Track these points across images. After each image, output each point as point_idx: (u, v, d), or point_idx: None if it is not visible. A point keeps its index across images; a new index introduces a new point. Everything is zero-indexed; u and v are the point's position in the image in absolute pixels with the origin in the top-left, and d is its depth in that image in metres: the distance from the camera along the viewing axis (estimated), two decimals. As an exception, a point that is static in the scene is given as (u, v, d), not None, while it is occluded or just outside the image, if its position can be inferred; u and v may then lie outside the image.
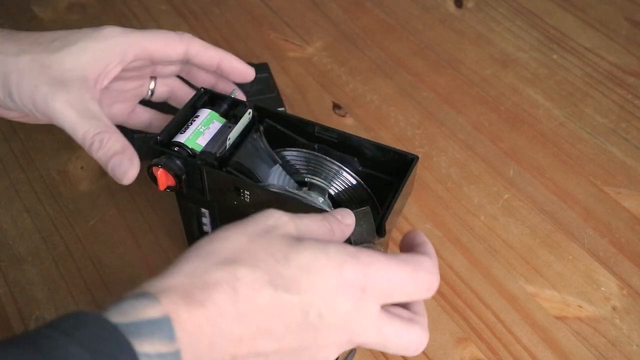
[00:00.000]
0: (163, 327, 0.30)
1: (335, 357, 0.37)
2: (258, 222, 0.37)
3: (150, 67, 0.54)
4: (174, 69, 0.56)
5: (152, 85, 0.56)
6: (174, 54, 0.51)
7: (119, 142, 0.47)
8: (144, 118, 0.57)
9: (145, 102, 0.58)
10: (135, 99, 0.56)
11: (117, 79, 0.52)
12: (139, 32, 0.50)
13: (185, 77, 0.58)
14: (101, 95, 0.50)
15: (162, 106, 0.59)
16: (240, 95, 0.54)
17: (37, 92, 0.46)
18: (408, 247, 0.40)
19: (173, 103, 0.58)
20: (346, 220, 0.41)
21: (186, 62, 0.54)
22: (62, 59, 0.47)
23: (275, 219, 0.37)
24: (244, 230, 0.36)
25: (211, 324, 0.32)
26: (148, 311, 0.30)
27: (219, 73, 0.55)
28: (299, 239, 0.36)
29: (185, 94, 0.57)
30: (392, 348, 0.37)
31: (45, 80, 0.46)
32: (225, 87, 0.56)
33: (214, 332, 0.32)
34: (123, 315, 0.30)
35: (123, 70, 0.51)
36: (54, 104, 0.46)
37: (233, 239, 0.35)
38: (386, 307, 0.37)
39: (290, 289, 0.34)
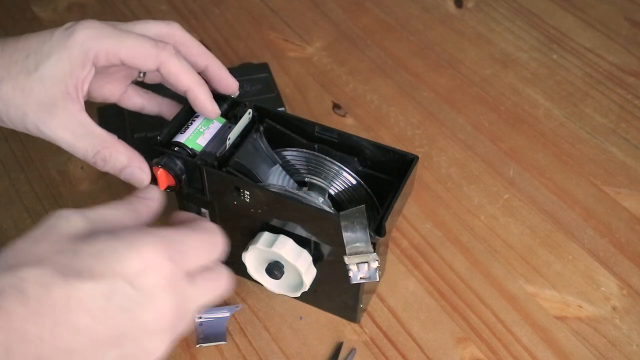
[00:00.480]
0: None
1: (166, 346, 0.36)
2: (40, 225, 0.36)
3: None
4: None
5: None
6: (144, 68, 0.49)
7: (122, 154, 0.47)
8: (137, 101, 0.55)
9: (140, 84, 0.57)
10: (125, 80, 0.54)
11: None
12: (114, 37, 0.48)
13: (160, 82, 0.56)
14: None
15: (158, 88, 0.58)
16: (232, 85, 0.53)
17: (26, 120, 0.46)
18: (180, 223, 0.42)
19: (168, 85, 0.56)
20: (149, 194, 0.42)
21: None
22: (41, 79, 0.46)
23: (57, 217, 0.36)
24: (26, 237, 0.35)
25: (2, 330, 0.31)
26: None
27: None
28: (88, 235, 0.36)
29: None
30: (213, 294, 0.39)
31: (32, 108, 0.45)
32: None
33: (8, 338, 0.31)
34: None
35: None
36: (46, 130, 0.46)
37: (16, 247, 0.34)
38: (190, 273, 0.38)
39: (82, 275, 0.33)
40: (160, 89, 0.57)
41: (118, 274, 0.34)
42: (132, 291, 0.34)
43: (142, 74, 0.54)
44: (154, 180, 0.48)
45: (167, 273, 0.35)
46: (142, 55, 0.48)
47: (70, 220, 0.36)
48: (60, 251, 0.34)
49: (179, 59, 0.49)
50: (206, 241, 0.39)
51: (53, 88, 0.46)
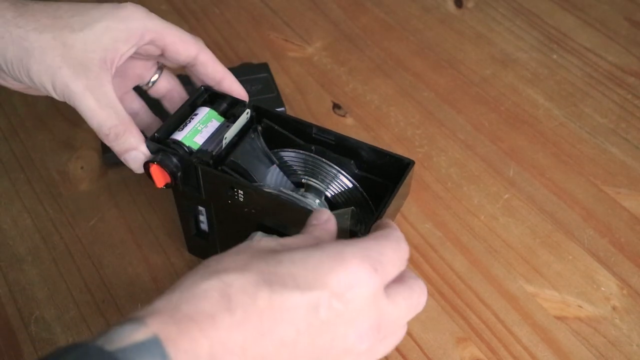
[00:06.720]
0: (152, 348, 0.29)
1: None
2: (245, 242, 0.36)
3: (157, 56, 0.53)
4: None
5: (154, 77, 0.55)
6: (184, 54, 0.50)
7: (134, 137, 0.47)
8: (134, 106, 0.55)
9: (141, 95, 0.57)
10: (133, 80, 0.55)
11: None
12: (160, 21, 0.49)
13: None
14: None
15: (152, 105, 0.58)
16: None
17: (59, 73, 0.45)
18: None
19: (166, 104, 0.57)
20: (322, 218, 0.39)
21: (189, 67, 0.53)
22: (85, 40, 0.46)
23: (259, 236, 0.37)
24: (232, 250, 0.35)
25: (206, 337, 0.30)
26: (134, 335, 0.29)
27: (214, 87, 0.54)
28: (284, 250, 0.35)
29: (181, 99, 0.56)
30: (413, 313, 0.36)
31: (68, 62, 0.45)
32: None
33: (212, 344, 0.30)
34: (110, 343, 0.29)
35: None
36: (75, 88, 0.46)
37: (218, 257, 0.34)
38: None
39: (287, 285, 0.31)
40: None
41: (326, 286, 0.32)
42: (339, 305, 0.32)
43: (149, 83, 0.55)
44: (149, 177, 0.48)
45: (374, 287, 0.33)
46: (185, 41, 0.50)
47: (263, 239, 0.36)
48: (262, 259, 0.33)
49: (209, 51, 0.52)
50: (399, 250, 0.36)
51: (92, 53, 0.46)
